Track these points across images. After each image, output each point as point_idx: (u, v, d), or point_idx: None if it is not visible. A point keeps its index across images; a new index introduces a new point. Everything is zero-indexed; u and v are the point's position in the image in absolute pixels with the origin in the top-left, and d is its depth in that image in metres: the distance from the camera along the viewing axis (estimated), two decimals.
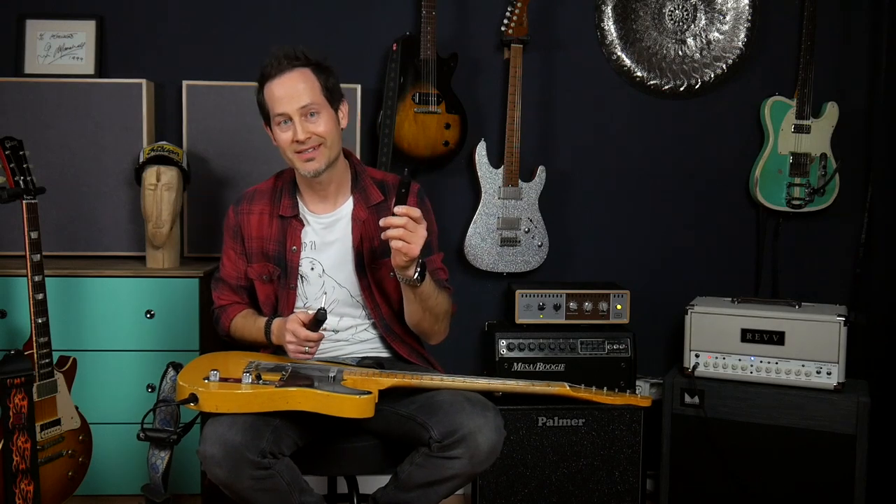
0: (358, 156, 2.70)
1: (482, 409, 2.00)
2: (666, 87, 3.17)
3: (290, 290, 2.25)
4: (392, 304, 2.27)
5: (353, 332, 2.28)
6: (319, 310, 2.03)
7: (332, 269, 2.25)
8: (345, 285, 2.26)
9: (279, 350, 2.21)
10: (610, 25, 3.14)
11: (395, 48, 2.97)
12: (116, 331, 2.73)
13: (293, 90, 2.11)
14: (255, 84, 2.98)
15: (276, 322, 2.18)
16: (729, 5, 3.14)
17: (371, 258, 2.23)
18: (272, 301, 2.29)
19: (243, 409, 1.92)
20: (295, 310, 2.24)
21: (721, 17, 3.15)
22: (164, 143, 2.83)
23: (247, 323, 2.28)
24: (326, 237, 2.25)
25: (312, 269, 2.25)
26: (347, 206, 2.26)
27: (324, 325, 2.07)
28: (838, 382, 2.71)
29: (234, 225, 2.29)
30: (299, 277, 2.25)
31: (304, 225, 2.25)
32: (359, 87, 3.02)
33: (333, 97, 2.17)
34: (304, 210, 2.26)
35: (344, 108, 2.22)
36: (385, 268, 2.23)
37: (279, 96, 2.11)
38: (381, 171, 2.39)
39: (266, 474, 1.90)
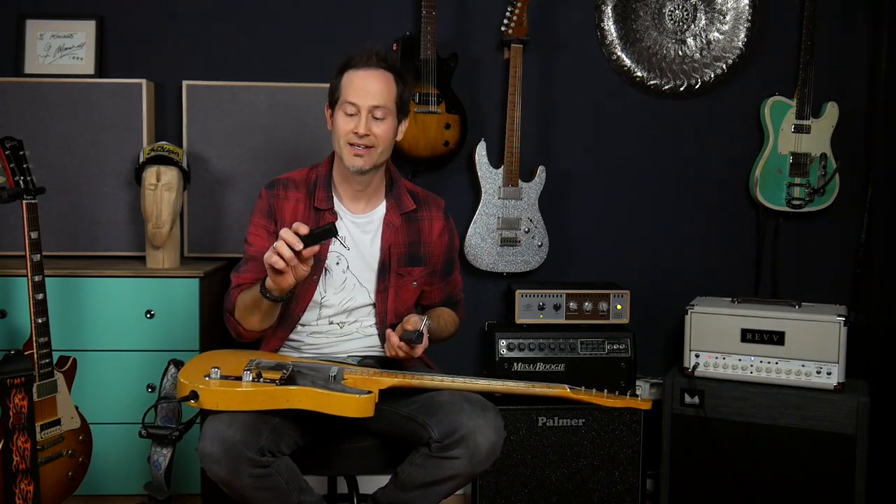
0: None
1: (482, 409, 2.01)
2: (666, 87, 3.17)
3: (312, 281, 2.22)
4: (403, 311, 2.30)
5: (358, 327, 2.29)
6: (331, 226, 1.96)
7: (356, 268, 2.27)
8: (365, 285, 2.28)
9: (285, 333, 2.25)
10: (610, 25, 3.14)
11: (395, 48, 2.97)
12: (116, 331, 2.73)
13: (373, 87, 2.17)
14: (254, 84, 3.02)
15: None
16: (729, 5, 3.14)
17: (397, 264, 2.28)
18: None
19: (243, 406, 1.92)
20: (311, 302, 2.24)
21: (721, 17, 3.15)
22: (164, 143, 2.83)
23: (248, 289, 2.17)
24: (357, 236, 2.27)
25: (338, 263, 2.26)
26: (381, 209, 2.30)
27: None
28: (838, 382, 2.71)
29: (268, 206, 2.25)
30: (324, 270, 2.25)
31: (337, 219, 2.25)
32: None
33: (401, 109, 2.25)
34: (338, 205, 2.28)
35: (405, 124, 2.29)
36: (408, 276, 2.30)
37: (359, 87, 2.17)
38: (412, 184, 2.44)
39: (265, 472, 1.91)
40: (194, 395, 1.92)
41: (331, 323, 2.27)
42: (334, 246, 2.26)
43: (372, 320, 2.30)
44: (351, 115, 2.17)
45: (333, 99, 2.22)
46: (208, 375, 1.96)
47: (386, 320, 2.26)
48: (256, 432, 1.90)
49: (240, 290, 2.19)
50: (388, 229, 2.28)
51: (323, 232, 1.97)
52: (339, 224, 2.22)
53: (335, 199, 2.28)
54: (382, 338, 2.29)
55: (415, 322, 2.14)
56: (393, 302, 2.28)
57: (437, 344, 2.38)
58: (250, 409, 1.93)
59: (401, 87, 2.22)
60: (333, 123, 2.22)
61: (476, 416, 1.98)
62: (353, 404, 1.93)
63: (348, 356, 2.27)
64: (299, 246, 1.94)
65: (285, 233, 1.94)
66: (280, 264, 1.95)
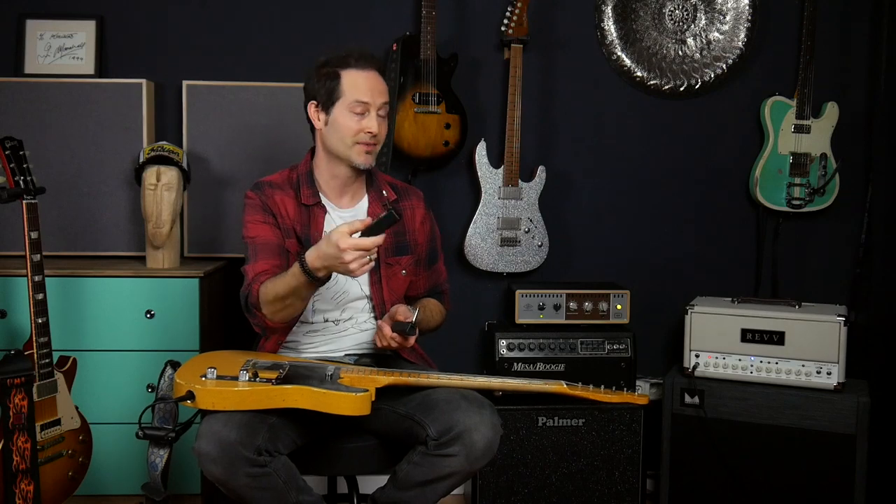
0: None
1: (478, 406, 2.01)
2: (666, 87, 3.17)
3: None
4: (394, 301, 2.31)
5: (354, 323, 2.30)
6: (388, 213, 1.92)
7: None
8: (356, 278, 2.28)
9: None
10: (610, 25, 3.14)
11: (395, 48, 2.97)
12: (116, 331, 2.73)
13: (382, 87, 2.24)
14: (254, 84, 3.02)
15: (313, 249, 2.00)
16: (729, 5, 3.14)
17: (385, 254, 2.30)
18: None
19: (240, 406, 1.92)
20: (314, 296, 2.21)
21: (721, 17, 3.15)
22: (164, 143, 2.83)
23: (276, 278, 2.10)
24: None
25: None
26: (363, 203, 2.33)
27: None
28: (838, 382, 2.71)
29: (261, 203, 2.24)
30: None
31: (326, 212, 2.28)
32: None
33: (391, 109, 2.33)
34: (324, 200, 2.30)
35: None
36: (396, 265, 2.32)
37: (369, 87, 2.21)
38: (390, 176, 2.47)
39: (262, 472, 1.91)
40: (191, 396, 1.92)
41: (326, 321, 2.28)
42: None
43: (366, 315, 2.31)
44: (359, 114, 2.19)
45: (332, 98, 2.20)
46: (204, 375, 1.96)
47: (384, 311, 2.27)
48: (253, 432, 1.91)
49: (261, 282, 2.12)
50: None
51: (383, 220, 1.93)
52: (326, 218, 2.26)
53: (321, 195, 2.29)
54: None
55: (404, 312, 2.14)
56: (387, 292, 2.29)
57: (425, 335, 2.37)
58: (247, 408, 1.93)
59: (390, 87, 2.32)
60: (334, 122, 2.21)
61: (472, 413, 1.98)
62: (350, 402, 1.93)
63: (345, 354, 2.27)
64: (369, 244, 1.92)
65: (347, 241, 1.91)
66: (365, 267, 1.94)
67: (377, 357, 2.26)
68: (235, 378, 1.95)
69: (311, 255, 1.99)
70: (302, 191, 2.27)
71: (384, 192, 2.35)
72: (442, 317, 2.45)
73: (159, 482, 2.18)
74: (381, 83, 2.24)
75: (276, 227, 2.23)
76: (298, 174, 2.31)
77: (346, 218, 2.28)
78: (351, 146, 2.21)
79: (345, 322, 2.29)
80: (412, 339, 2.12)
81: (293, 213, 2.26)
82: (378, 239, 1.93)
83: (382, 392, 2.03)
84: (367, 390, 1.95)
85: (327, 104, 2.22)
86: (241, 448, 1.87)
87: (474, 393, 2.08)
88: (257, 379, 1.95)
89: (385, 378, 2.04)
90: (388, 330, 2.12)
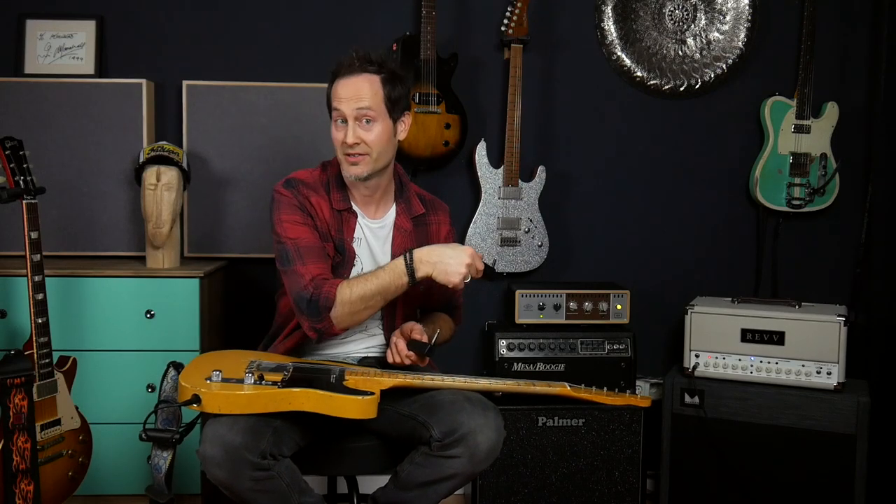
0: None
1: (482, 408, 2.01)
2: (666, 87, 3.17)
3: (345, 278, 2.20)
4: (409, 314, 2.30)
5: (361, 328, 2.29)
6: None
7: (368, 270, 2.25)
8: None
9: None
10: (610, 25, 3.14)
11: (395, 48, 2.97)
12: (116, 331, 2.73)
13: (355, 92, 2.14)
14: (254, 84, 3.02)
15: (425, 248, 2.11)
16: (729, 5, 3.14)
17: None
18: None
19: (246, 409, 1.91)
20: None
21: (721, 17, 3.15)
22: (164, 143, 2.83)
23: (361, 276, 2.12)
24: (371, 239, 2.28)
25: (354, 265, 2.26)
26: (391, 214, 2.30)
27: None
28: (838, 382, 2.71)
29: (298, 202, 2.19)
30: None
31: (356, 217, 2.26)
32: None
33: (395, 108, 2.19)
34: (354, 206, 2.27)
35: (406, 121, 2.25)
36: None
37: (341, 95, 2.15)
38: (419, 187, 2.43)
39: (266, 475, 1.91)
40: (196, 399, 1.91)
41: None
42: (354, 245, 2.25)
43: (375, 322, 2.30)
44: (341, 123, 2.17)
45: (329, 110, 2.22)
46: (209, 378, 1.95)
47: (394, 324, 2.26)
48: (258, 435, 1.90)
49: (334, 284, 2.08)
50: (399, 234, 2.28)
51: (489, 268, 2.22)
52: (357, 225, 2.25)
53: (351, 201, 2.27)
54: (388, 340, 2.29)
55: (420, 331, 2.14)
56: (401, 304, 2.28)
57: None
58: (253, 411, 1.92)
59: (388, 87, 2.17)
60: (332, 134, 2.22)
61: (477, 416, 1.98)
62: (357, 406, 1.93)
63: (349, 357, 2.27)
64: (482, 267, 2.13)
65: (478, 261, 2.09)
66: (465, 281, 2.08)
67: (380, 358, 2.26)
68: (241, 381, 1.94)
69: (422, 251, 2.07)
70: (332, 194, 2.24)
71: (413, 204, 2.32)
72: (451, 333, 2.44)
73: (163, 484, 2.17)
74: (365, 88, 2.14)
75: (315, 230, 2.19)
76: (328, 176, 2.27)
77: (374, 229, 2.28)
78: (342, 158, 2.19)
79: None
80: (427, 359, 2.13)
81: (328, 216, 2.22)
82: (482, 271, 2.12)
83: (385, 393, 2.02)
84: (373, 393, 1.95)
85: (329, 116, 2.22)
86: (246, 452, 1.86)
87: (478, 395, 2.07)
88: (263, 382, 1.94)
89: (390, 380, 2.03)
90: (402, 346, 2.11)
